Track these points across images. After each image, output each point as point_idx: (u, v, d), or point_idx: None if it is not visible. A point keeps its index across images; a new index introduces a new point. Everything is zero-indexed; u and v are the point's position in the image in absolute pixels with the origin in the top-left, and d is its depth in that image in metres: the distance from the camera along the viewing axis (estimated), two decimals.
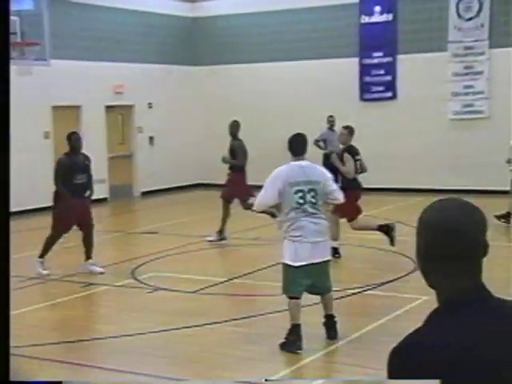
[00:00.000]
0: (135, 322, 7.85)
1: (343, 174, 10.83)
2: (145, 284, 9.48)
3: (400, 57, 18.34)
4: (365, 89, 18.80)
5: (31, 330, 7.84)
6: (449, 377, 1.77)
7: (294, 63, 19.41)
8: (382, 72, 18.61)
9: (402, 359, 1.83)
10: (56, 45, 15.22)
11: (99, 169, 18.10)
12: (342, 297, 8.45)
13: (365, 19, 18.66)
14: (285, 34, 19.54)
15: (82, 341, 7.28)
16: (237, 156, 12.28)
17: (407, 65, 18.16)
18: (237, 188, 12.22)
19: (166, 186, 19.60)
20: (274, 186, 6.68)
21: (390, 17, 18.40)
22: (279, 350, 6.75)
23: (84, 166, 10.40)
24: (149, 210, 17.59)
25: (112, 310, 8.57)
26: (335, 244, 10.44)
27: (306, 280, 6.76)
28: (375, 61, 18.64)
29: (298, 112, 18.82)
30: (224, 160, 12.34)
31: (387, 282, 9.21)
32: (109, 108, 18.41)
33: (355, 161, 10.97)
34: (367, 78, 18.76)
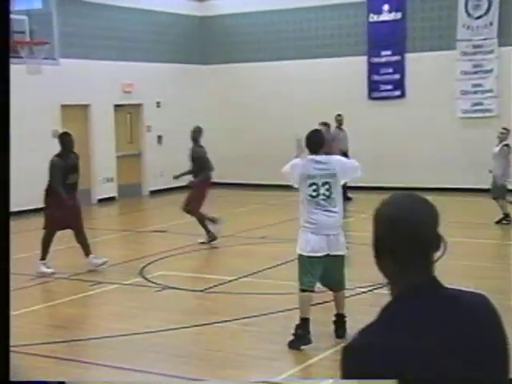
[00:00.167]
0: (144, 321, 7.87)
1: None
2: (153, 283, 9.49)
3: (408, 55, 18.29)
4: (373, 87, 18.77)
5: (40, 329, 7.87)
6: (403, 373, 1.77)
7: (302, 62, 19.39)
8: (390, 70, 18.57)
9: (355, 357, 1.82)
10: (65, 44, 15.26)
11: (108, 168, 18.18)
12: (352, 295, 8.44)
13: (373, 18, 18.62)
14: (293, 32, 19.53)
15: (91, 339, 7.30)
16: (196, 163, 12.38)
17: (416, 63, 18.11)
18: (198, 193, 12.26)
19: (175, 185, 19.61)
20: (293, 171, 6.93)
21: (398, 15, 18.36)
22: (288, 349, 6.75)
23: (75, 166, 10.44)
24: (157, 209, 17.62)
25: (121, 309, 8.59)
26: None
27: (316, 271, 6.82)
28: (384, 59, 18.60)
29: (306, 111, 18.79)
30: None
31: None
32: (117, 107, 18.45)
33: None
34: (376, 77, 18.73)
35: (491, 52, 17.40)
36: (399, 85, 18.52)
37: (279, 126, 19.39)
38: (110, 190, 18.32)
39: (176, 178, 12.59)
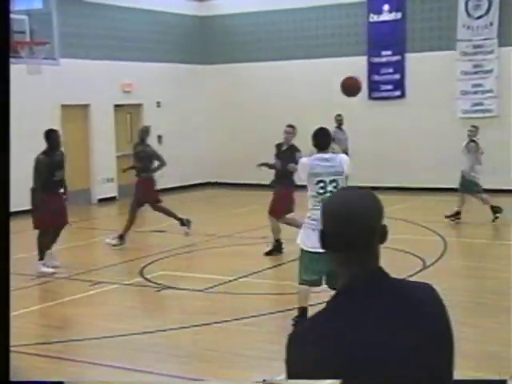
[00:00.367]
0: (143, 321, 7.87)
1: (293, 172, 10.86)
2: (153, 282, 9.49)
3: (409, 55, 18.30)
4: (373, 87, 18.76)
5: (40, 329, 7.87)
6: (345, 363, 1.81)
7: (303, 62, 19.39)
8: (390, 70, 18.57)
9: (296, 344, 1.87)
10: (65, 44, 15.26)
11: (108, 168, 18.18)
12: None
13: (373, 18, 18.62)
14: (293, 32, 19.54)
15: (90, 339, 7.30)
16: (142, 161, 12.66)
17: (416, 63, 18.11)
18: (147, 194, 12.62)
19: (175, 185, 19.62)
20: (302, 172, 7.05)
21: (398, 15, 18.36)
22: None
23: (62, 163, 10.47)
24: None
25: (120, 309, 8.59)
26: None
27: (316, 268, 6.83)
28: (384, 59, 18.60)
29: (306, 111, 18.79)
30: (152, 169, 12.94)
31: None
32: (117, 107, 18.45)
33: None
34: (376, 77, 18.73)
35: (491, 52, 17.40)
36: (399, 85, 18.52)
37: (279, 126, 19.25)
38: (111, 190, 18.32)
39: (124, 171, 13.37)
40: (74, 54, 16.49)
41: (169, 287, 9.23)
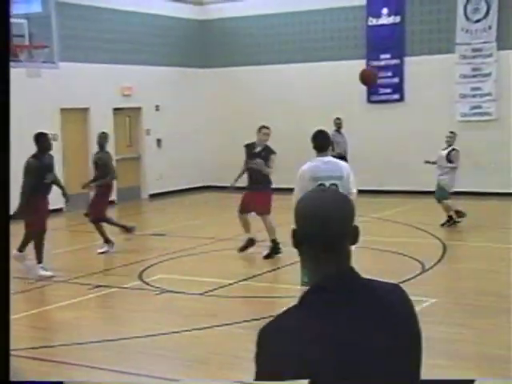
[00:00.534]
0: (143, 324, 7.86)
1: (269, 174, 11.18)
2: (152, 286, 9.48)
3: (407, 59, 18.32)
4: (372, 91, 18.76)
5: (40, 332, 7.87)
6: (309, 360, 1.85)
7: (302, 65, 19.41)
8: (389, 74, 18.59)
9: (263, 339, 1.93)
10: (64, 47, 15.27)
11: None
12: None
13: (372, 21, 18.64)
14: (292, 36, 19.55)
15: (90, 343, 7.29)
16: (99, 169, 12.22)
17: (415, 67, 18.13)
18: (98, 200, 12.29)
19: (174, 189, 19.63)
20: (299, 185, 6.82)
21: (397, 19, 18.38)
22: None
23: (51, 166, 10.55)
24: (157, 212, 17.62)
25: (120, 312, 8.59)
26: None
27: None
28: (382, 63, 18.61)
29: (305, 114, 18.81)
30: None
31: None
32: (117, 110, 18.45)
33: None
34: None
35: (490, 55, 17.42)
36: (398, 88, 18.54)
37: (278, 130, 19.36)
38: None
39: (83, 187, 12.62)
40: (73, 57, 16.51)
41: (168, 291, 9.23)
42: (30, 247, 10.49)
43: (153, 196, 19.32)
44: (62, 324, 8.23)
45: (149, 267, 10.64)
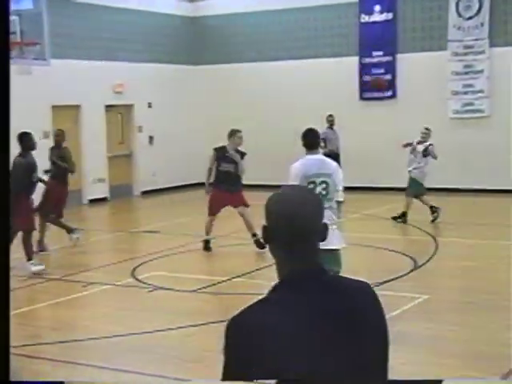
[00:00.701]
0: (136, 322, 7.86)
1: (242, 174, 11.59)
2: (145, 283, 9.47)
3: (400, 56, 18.33)
4: (364, 88, 18.80)
5: (33, 330, 7.85)
6: (273, 355, 1.91)
7: (294, 62, 19.40)
8: (381, 71, 18.60)
9: (231, 330, 2.00)
10: (55, 44, 15.21)
11: (99, 168, 18.14)
12: None
13: (365, 18, 18.65)
14: (284, 33, 19.54)
15: (83, 340, 7.28)
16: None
17: (407, 64, 18.16)
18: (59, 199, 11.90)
19: (167, 186, 19.61)
20: (295, 180, 6.92)
21: (389, 16, 18.40)
22: None
23: (36, 165, 10.61)
24: (149, 210, 17.60)
25: (112, 310, 8.58)
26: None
27: None
28: (375, 60, 18.63)
29: (297, 111, 18.81)
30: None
31: (387, 281, 9.21)
32: (108, 107, 18.42)
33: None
34: (367, 77, 18.76)
35: (482, 52, 17.45)
36: (390, 85, 18.56)
37: (270, 127, 19.41)
38: (102, 191, 18.28)
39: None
40: (64, 54, 16.45)
41: (161, 288, 9.22)
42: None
43: (145, 193, 19.29)
44: (56, 322, 8.22)
45: (141, 264, 10.63)
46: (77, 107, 17.54)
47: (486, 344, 6.78)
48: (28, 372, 6.54)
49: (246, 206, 11.43)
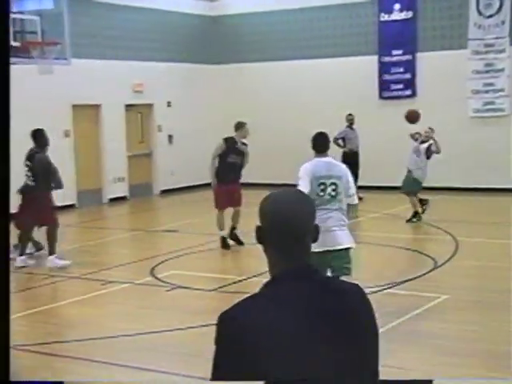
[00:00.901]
0: (155, 320, 7.89)
1: (245, 165, 12.16)
2: (164, 282, 9.50)
3: (419, 54, 18.25)
4: (384, 87, 18.73)
5: (53, 327, 7.91)
6: (269, 347, 1.97)
7: (313, 61, 19.37)
8: (401, 70, 18.53)
9: (221, 324, 2.05)
10: (76, 44, 15.30)
11: (119, 167, 18.23)
12: None
13: (384, 17, 18.59)
14: (303, 32, 19.52)
15: (102, 338, 7.32)
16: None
17: (427, 62, 18.07)
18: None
19: (186, 185, 19.66)
20: (305, 179, 7.05)
21: (409, 14, 18.31)
22: None
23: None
24: (168, 209, 17.65)
25: (131, 308, 8.61)
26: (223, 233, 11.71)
27: (322, 266, 6.96)
28: (394, 59, 18.56)
29: (316, 110, 18.79)
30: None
31: (407, 281, 9.18)
32: (128, 107, 18.49)
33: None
34: (386, 76, 18.70)
35: (503, 51, 17.32)
36: (410, 84, 18.48)
37: (290, 126, 19.38)
38: (121, 190, 18.37)
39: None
40: (84, 54, 16.55)
41: (180, 287, 9.25)
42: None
43: (164, 192, 19.35)
44: (75, 320, 8.27)
45: (161, 263, 10.67)
46: (97, 106, 17.64)
47: (508, 344, 6.73)
48: (47, 369, 6.60)
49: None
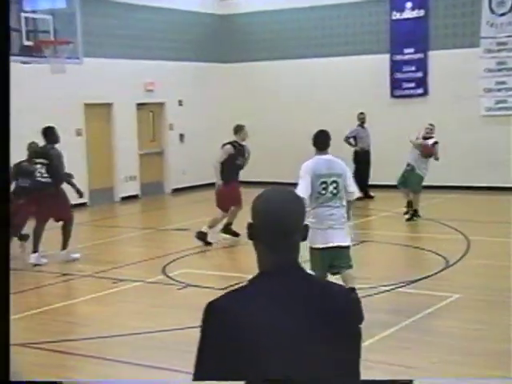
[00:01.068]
0: (166, 319, 7.90)
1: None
2: (176, 280, 9.52)
3: (431, 53, 18.19)
4: (395, 85, 18.69)
5: (64, 325, 7.94)
6: (253, 337, 2.05)
7: (325, 60, 19.35)
8: (413, 68, 18.48)
9: (207, 314, 2.14)
10: (88, 43, 15.35)
11: (130, 166, 18.28)
12: (375, 294, 8.42)
13: (396, 15, 18.54)
14: (315, 30, 19.49)
15: (113, 336, 7.35)
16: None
17: (439, 61, 18.01)
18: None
19: (197, 183, 19.68)
20: (305, 179, 7.25)
21: (421, 13, 18.26)
22: None
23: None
24: (180, 207, 17.68)
25: (143, 307, 8.64)
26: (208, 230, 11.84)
27: (324, 262, 7.21)
28: (406, 57, 18.51)
29: (328, 109, 18.77)
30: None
31: (419, 280, 9.16)
32: (140, 105, 18.54)
33: None
34: (398, 75, 18.65)
35: None
36: (422, 83, 18.42)
37: (301, 125, 19.35)
38: (133, 188, 18.41)
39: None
40: (96, 53, 16.59)
41: (191, 285, 9.26)
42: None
43: (176, 191, 19.38)
44: (86, 318, 8.30)
45: (172, 262, 10.69)
46: (109, 105, 17.69)
47: None
48: (59, 367, 6.63)
49: None
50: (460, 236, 12.00)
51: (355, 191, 7.50)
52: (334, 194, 7.21)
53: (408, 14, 18.40)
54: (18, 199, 10.62)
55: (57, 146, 10.87)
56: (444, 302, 8.19)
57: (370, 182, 17.11)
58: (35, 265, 10.54)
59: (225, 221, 12.23)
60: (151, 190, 18.78)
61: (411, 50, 18.40)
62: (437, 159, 13.81)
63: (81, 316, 8.46)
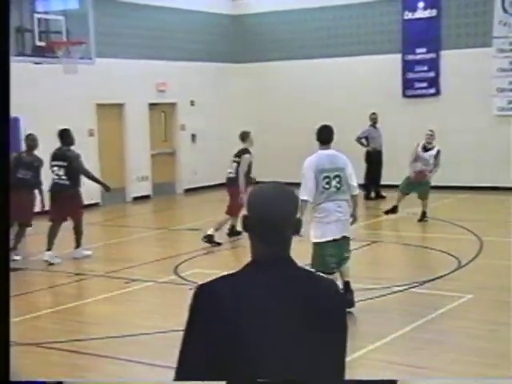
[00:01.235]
0: (178, 318, 7.88)
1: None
2: (187, 280, 9.53)
3: (443, 53, 18.13)
4: (408, 85, 18.64)
5: (77, 325, 7.97)
6: (240, 319, 2.16)
7: (337, 60, 19.32)
8: (425, 68, 18.43)
9: (196, 296, 2.25)
10: (101, 43, 15.39)
11: (142, 166, 18.32)
12: (388, 294, 8.40)
13: (408, 15, 18.49)
14: (326, 30, 19.48)
15: (125, 336, 7.37)
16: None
17: (451, 61, 17.95)
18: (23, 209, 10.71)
19: (209, 184, 19.69)
20: (310, 176, 7.44)
21: (433, 12, 18.20)
22: None
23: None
24: (192, 207, 17.70)
25: (155, 306, 8.66)
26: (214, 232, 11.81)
27: (332, 255, 7.38)
28: (418, 57, 18.46)
29: (340, 109, 18.73)
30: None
31: (431, 280, 9.13)
32: (152, 106, 18.58)
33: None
34: (410, 75, 18.60)
35: None
36: (434, 82, 18.37)
37: (312, 125, 19.29)
38: (145, 189, 18.46)
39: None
40: (109, 53, 16.64)
41: None
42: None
43: (188, 191, 19.41)
44: (99, 317, 8.32)
45: (184, 262, 10.71)
46: (121, 106, 17.73)
47: None
48: (72, 367, 6.65)
49: None
50: (472, 236, 11.95)
51: (356, 185, 7.68)
52: (338, 188, 7.39)
53: (420, 13, 18.35)
54: (18, 191, 10.22)
55: (72, 147, 10.98)
56: (457, 302, 8.16)
57: (381, 182, 17.08)
58: (49, 264, 10.58)
59: (229, 223, 12.30)
60: (163, 190, 18.81)
61: (423, 50, 18.35)
62: (436, 171, 13.76)
63: (93, 316, 8.48)
